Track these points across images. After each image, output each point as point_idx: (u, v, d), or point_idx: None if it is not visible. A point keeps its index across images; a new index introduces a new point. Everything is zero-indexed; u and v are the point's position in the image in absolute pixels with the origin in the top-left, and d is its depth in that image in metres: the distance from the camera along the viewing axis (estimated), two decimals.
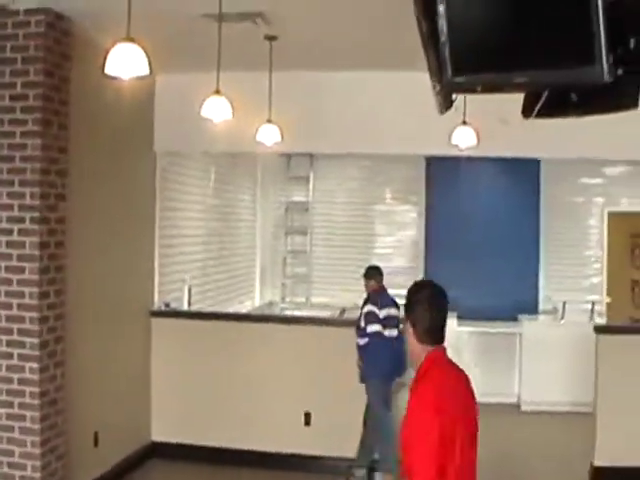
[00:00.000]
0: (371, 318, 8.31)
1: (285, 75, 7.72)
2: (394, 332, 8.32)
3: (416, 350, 3.74)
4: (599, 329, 8.48)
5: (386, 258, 13.26)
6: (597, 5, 3.49)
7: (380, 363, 8.19)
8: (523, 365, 11.60)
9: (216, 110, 6.24)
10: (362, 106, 8.54)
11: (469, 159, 12.18)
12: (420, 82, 7.65)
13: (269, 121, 7.42)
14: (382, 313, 8.35)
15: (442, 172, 12.81)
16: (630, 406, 8.12)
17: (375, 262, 12.87)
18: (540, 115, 4.61)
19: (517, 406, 11.68)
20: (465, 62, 3.81)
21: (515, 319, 12.21)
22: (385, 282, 12.29)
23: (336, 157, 12.66)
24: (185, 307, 9.62)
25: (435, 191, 13.09)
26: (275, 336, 9.02)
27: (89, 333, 7.43)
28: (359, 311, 8.53)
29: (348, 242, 13.40)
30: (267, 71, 7.36)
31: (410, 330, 3.73)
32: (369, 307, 8.39)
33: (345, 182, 13.59)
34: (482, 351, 11.89)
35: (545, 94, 4.39)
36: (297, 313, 12.62)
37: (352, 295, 12.30)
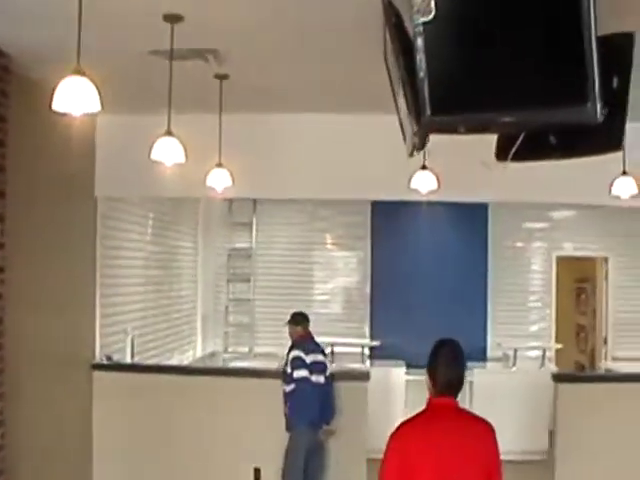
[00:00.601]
0: (298, 363, 8.16)
1: (235, 117, 7.44)
2: (321, 378, 8.22)
3: (429, 398, 4.26)
4: (558, 377, 8.26)
5: (327, 305, 13.04)
6: (591, 42, 3.27)
7: (307, 409, 8.06)
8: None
9: (167, 152, 5.85)
10: (313, 149, 8.31)
11: (417, 204, 12.07)
12: (375, 125, 7.58)
13: (219, 165, 7.08)
14: (309, 359, 8.22)
15: (387, 217, 12.55)
16: (590, 455, 7.92)
17: (318, 309, 12.77)
18: (516, 159, 4.37)
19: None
20: (446, 100, 3.54)
21: None
22: (326, 329, 12.23)
23: (280, 202, 12.35)
24: (128, 359, 9.20)
25: (380, 236, 12.79)
26: (219, 389, 8.71)
27: (29, 390, 6.96)
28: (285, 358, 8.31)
29: (291, 289, 13.01)
30: (216, 113, 7.06)
31: (430, 381, 4.26)
32: (295, 352, 8.26)
33: (289, 227, 13.25)
34: None
35: (521, 137, 4.16)
36: (240, 364, 12.20)
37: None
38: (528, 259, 13.31)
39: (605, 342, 13.36)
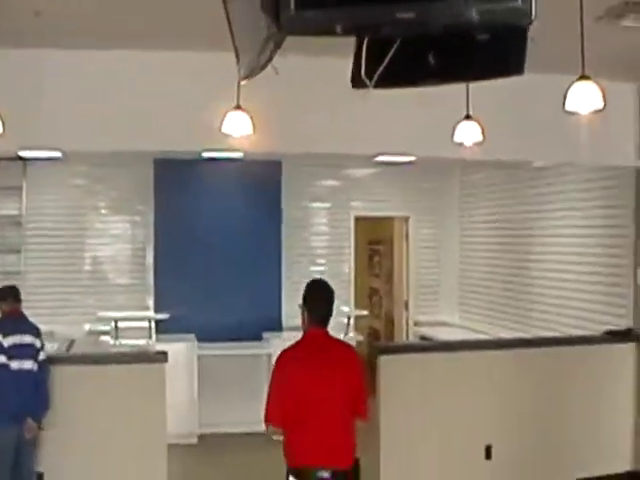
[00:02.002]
0: None
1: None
2: (27, 364, 6.74)
3: (306, 329, 5.03)
4: (379, 349, 7.52)
5: (107, 276, 11.86)
6: None
7: (3, 401, 6.62)
8: None
9: None
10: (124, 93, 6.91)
11: (205, 161, 11.01)
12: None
13: None
14: (8, 341, 6.72)
15: (173, 177, 11.40)
16: (412, 422, 7.39)
17: (96, 280, 11.54)
18: (382, 84, 3.35)
19: (268, 435, 10.37)
20: None
21: (260, 338, 11.04)
22: (105, 302, 10.96)
23: (53, 163, 10.92)
24: None
25: (165, 198, 11.56)
26: None
27: None
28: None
29: (67, 260, 11.69)
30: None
31: (305, 314, 5.00)
32: None
33: (64, 191, 11.80)
34: (227, 376, 10.62)
35: (390, 54, 3.13)
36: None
37: (82, 321, 11.17)
38: (325, 220, 12.58)
39: (406, 307, 12.80)
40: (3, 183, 11.49)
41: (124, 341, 10.22)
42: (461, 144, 6.57)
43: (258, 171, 11.48)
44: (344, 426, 4.88)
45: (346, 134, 7.03)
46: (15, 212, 11.59)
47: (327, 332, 4.99)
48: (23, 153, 8.73)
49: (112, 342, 10.28)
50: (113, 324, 10.35)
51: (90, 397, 6.84)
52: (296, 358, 4.94)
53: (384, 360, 7.32)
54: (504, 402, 7.69)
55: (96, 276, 11.79)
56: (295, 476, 4.85)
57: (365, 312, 12.04)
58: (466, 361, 7.65)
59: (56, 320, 10.92)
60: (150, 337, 10.45)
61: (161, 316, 10.81)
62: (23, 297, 7.17)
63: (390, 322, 14.27)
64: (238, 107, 5.75)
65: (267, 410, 4.96)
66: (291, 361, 4.93)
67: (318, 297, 5.03)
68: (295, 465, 4.85)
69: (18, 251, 11.52)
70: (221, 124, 5.88)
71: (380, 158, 10.98)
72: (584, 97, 4.78)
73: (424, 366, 7.45)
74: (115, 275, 11.89)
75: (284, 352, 4.97)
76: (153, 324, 10.78)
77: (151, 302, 11.48)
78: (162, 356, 6.96)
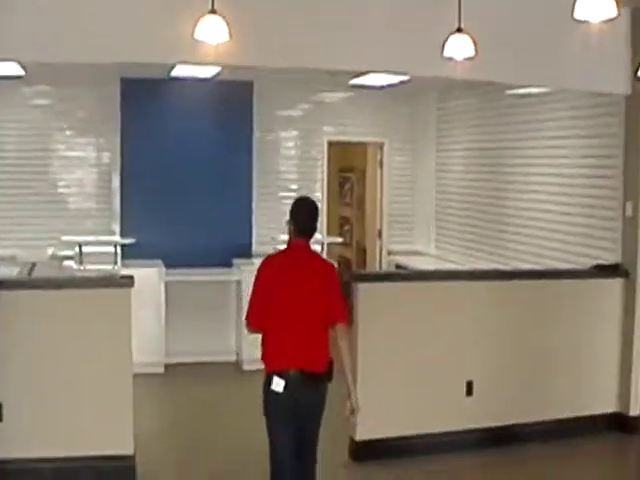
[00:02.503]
0: None
1: None
2: None
3: (289, 240, 5.19)
4: (358, 277, 7.17)
5: (71, 200, 11.33)
6: None
7: None
8: (242, 317, 10.05)
9: None
10: None
11: (174, 80, 10.57)
12: None
13: None
14: None
15: (140, 97, 10.89)
16: (388, 352, 7.05)
17: (61, 205, 11.08)
18: None
19: (237, 365, 10.22)
20: None
21: (230, 265, 10.68)
22: (70, 226, 10.69)
23: (14, 83, 10.35)
24: None
25: (132, 119, 11.00)
26: None
27: None
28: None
29: (30, 184, 11.09)
30: None
31: (291, 227, 5.14)
32: None
33: (25, 112, 11.12)
34: (195, 302, 10.27)
35: None
36: None
37: (46, 246, 10.71)
38: (296, 144, 12.14)
39: (380, 236, 12.46)
40: None
41: (89, 266, 9.79)
42: (451, 59, 6.10)
43: (229, 92, 11.11)
44: (320, 332, 5.08)
45: (329, 48, 6.54)
46: None
47: (309, 245, 5.20)
48: None
49: (76, 267, 9.86)
50: (77, 248, 9.91)
51: (51, 323, 6.39)
52: (279, 265, 5.17)
53: (362, 288, 6.97)
54: (485, 337, 7.35)
55: (60, 200, 11.25)
56: (279, 377, 4.97)
57: (339, 239, 11.72)
58: (447, 292, 7.31)
59: (18, 244, 10.53)
60: (115, 262, 10.03)
61: (127, 241, 10.40)
62: None
63: (362, 251, 13.97)
64: (213, 11, 5.24)
65: (248, 312, 5.12)
66: (274, 267, 5.14)
67: (304, 210, 5.20)
68: (276, 369, 4.99)
69: None
70: (194, 30, 5.37)
71: (355, 80, 10.64)
72: (596, 4, 4.35)
73: (403, 295, 7.10)
74: (80, 199, 11.33)
75: (268, 258, 5.22)
76: (119, 249, 10.35)
77: (117, 227, 11.03)
78: (128, 280, 6.52)
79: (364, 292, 6.97)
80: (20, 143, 11.08)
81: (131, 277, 6.55)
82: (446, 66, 6.31)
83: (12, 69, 9.00)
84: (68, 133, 11.29)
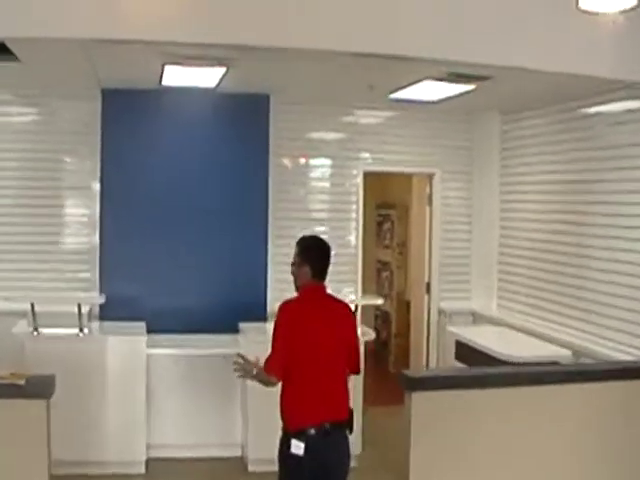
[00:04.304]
0: None
1: None
2: None
3: (304, 283, 5.08)
4: (411, 382, 4.70)
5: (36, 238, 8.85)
6: None
7: None
8: (249, 402, 7.65)
9: None
10: None
11: (166, 90, 8.27)
12: None
13: None
14: None
15: (126, 112, 8.59)
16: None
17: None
18: None
19: (242, 463, 7.83)
20: None
21: (235, 330, 8.19)
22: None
23: None
24: None
25: (116, 138, 8.68)
26: None
27: None
28: None
29: None
30: None
31: (304, 270, 5.04)
32: None
33: None
34: (187, 380, 7.91)
35: None
36: None
37: None
38: (325, 176, 9.64)
39: (428, 290, 9.96)
40: None
41: (46, 330, 7.43)
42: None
43: (237, 107, 8.83)
44: (341, 379, 4.99)
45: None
46: None
47: (325, 287, 5.10)
48: None
49: (30, 331, 7.47)
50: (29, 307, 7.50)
51: None
52: (299, 311, 5.00)
53: (418, 399, 4.52)
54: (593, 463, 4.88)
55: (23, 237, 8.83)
56: (297, 439, 4.76)
57: (379, 301, 9.17)
58: (536, 398, 4.85)
59: None
60: (81, 329, 7.56)
61: (94, 300, 8.02)
62: None
63: (404, 305, 11.52)
64: None
65: (271, 361, 4.85)
66: (294, 314, 4.98)
67: (319, 252, 5.09)
68: (295, 429, 4.81)
69: None
70: None
71: (398, 94, 8.27)
72: None
73: (474, 405, 4.65)
74: (50, 237, 8.93)
75: (286, 304, 5.02)
76: (87, 309, 7.92)
77: (95, 273, 8.69)
78: (45, 388, 4.19)
79: (421, 404, 4.52)
80: None
81: (51, 380, 4.20)
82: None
83: None
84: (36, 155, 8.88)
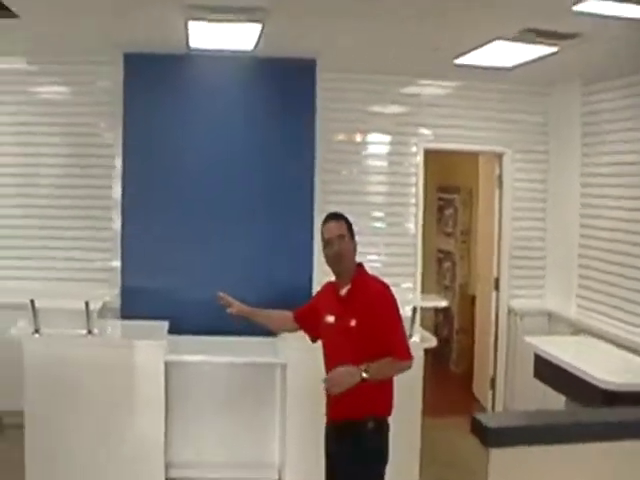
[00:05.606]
0: None
1: None
2: None
3: (354, 264, 4.72)
4: (490, 438, 3.48)
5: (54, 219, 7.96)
6: None
7: None
8: (289, 418, 6.56)
9: None
10: None
11: (199, 56, 7.25)
12: None
13: None
14: None
15: (151, 80, 7.56)
16: None
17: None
18: None
19: None
20: None
21: (273, 332, 7.03)
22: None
23: None
24: None
25: (140, 110, 7.65)
26: None
27: None
28: None
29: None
30: None
31: (355, 247, 4.75)
32: None
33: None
34: (214, 391, 6.87)
35: None
36: None
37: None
38: (380, 153, 8.48)
39: (497, 286, 8.74)
40: None
41: (49, 330, 6.39)
42: None
43: (280, 74, 7.69)
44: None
45: None
46: None
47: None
48: None
49: (30, 332, 6.42)
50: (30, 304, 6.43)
51: None
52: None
53: (498, 457, 3.32)
54: None
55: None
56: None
57: (442, 303, 7.91)
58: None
59: None
60: (89, 331, 6.49)
61: (106, 297, 6.94)
62: None
63: (468, 300, 10.32)
64: None
65: (406, 343, 4.56)
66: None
67: None
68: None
69: None
70: None
71: (464, 59, 7.08)
72: None
73: (572, 465, 3.45)
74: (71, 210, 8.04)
75: (387, 285, 4.66)
76: (97, 305, 6.82)
77: (117, 262, 7.74)
78: None
79: (502, 464, 3.32)
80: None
81: None
82: None
83: None
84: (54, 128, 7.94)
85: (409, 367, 4.53)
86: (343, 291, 4.70)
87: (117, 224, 7.75)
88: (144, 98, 7.61)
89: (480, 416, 3.52)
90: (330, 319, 4.71)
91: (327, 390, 4.41)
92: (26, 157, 7.90)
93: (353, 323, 4.52)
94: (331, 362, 4.57)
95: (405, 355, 4.48)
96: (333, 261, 4.69)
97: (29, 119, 7.88)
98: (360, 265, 4.73)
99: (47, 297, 6.65)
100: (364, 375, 4.30)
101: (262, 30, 6.20)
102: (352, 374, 4.31)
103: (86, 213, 7.91)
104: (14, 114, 7.88)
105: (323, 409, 4.73)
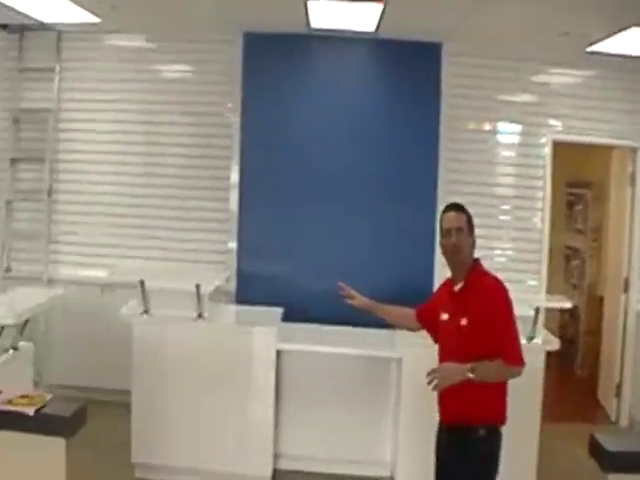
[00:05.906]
0: None
1: None
2: None
3: (470, 259, 4.52)
4: (609, 463, 3.16)
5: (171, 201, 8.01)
6: None
7: None
8: (402, 414, 6.31)
9: None
10: None
11: (320, 36, 7.11)
12: None
13: None
14: None
15: (271, 60, 7.51)
16: None
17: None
18: None
19: None
20: None
21: (389, 325, 6.77)
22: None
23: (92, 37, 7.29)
24: None
25: (258, 89, 7.64)
26: None
27: None
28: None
29: (116, 177, 8.03)
30: None
31: (474, 243, 4.55)
32: None
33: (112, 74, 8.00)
34: (326, 383, 6.59)
35: None
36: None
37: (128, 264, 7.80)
38: (506, 144, 8.10)
39: (626, 288, 8.30)
40: (30, 63, 7.94)
41: (162, 311, 6.32)
42: None
43: (403, 57, 7.49)
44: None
45: None
46: (43, 105, 8.01)
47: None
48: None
49: (140, 312, 6.37)
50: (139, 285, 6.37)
51: None
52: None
53: None
54: None
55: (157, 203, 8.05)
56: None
57: (567, 304, 7.48)
58: None
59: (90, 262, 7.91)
60: (200, 315, 6.39)
61: (218, 282, 6.81)
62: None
63: (597, 301, 9.86)
64: None
65: (519, 348, 4.26)
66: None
67: None
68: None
69: (43, 160, 8.00)
70: None
71: (600, 46, 6.71)
72: None
73: None
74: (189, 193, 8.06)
75: (503, 284, 4.39)
76: (209, 288, 6.71)
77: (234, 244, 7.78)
78: (64, 426, 3.02)
79: None
80: (103, 120, 8.07)
81: (76, 412, 3.05)
82: None
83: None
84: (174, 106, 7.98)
85: (519, 374, 4.26)
86: (457, 287, 4.51)
87: (234, 206, 7.70)
88: (263, 78, 7.59)
89: (599, 436, 3.22)
90: (445, 317, 4.54)
91: (429, 383, 4.18)
92: (148, 135, 7.95)
93: (464, 322, 4.33)
94: (442, 362, 4.41)
95: (516, 360, 4.24)
96: (449, 253, 4.51)
97: (150, 97, 7.93)
98: (476, 261, 4.54)
99: (161, 278, 6.61)
100: (469, 375, 4.11)
101: (384, 10, 6.00)
102: (457, 371, 4.15)
103: (204, 194, 7.89)
104: (136, 91, 7.93)
105: (437, 408, 4.56)
